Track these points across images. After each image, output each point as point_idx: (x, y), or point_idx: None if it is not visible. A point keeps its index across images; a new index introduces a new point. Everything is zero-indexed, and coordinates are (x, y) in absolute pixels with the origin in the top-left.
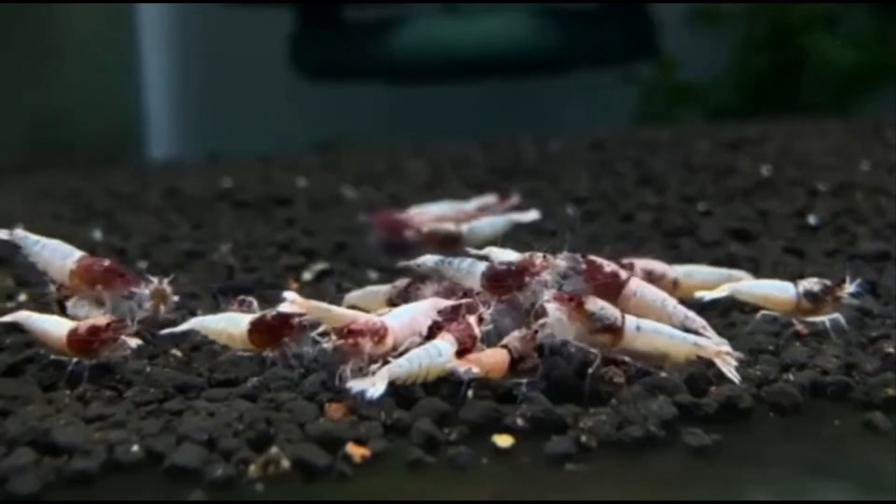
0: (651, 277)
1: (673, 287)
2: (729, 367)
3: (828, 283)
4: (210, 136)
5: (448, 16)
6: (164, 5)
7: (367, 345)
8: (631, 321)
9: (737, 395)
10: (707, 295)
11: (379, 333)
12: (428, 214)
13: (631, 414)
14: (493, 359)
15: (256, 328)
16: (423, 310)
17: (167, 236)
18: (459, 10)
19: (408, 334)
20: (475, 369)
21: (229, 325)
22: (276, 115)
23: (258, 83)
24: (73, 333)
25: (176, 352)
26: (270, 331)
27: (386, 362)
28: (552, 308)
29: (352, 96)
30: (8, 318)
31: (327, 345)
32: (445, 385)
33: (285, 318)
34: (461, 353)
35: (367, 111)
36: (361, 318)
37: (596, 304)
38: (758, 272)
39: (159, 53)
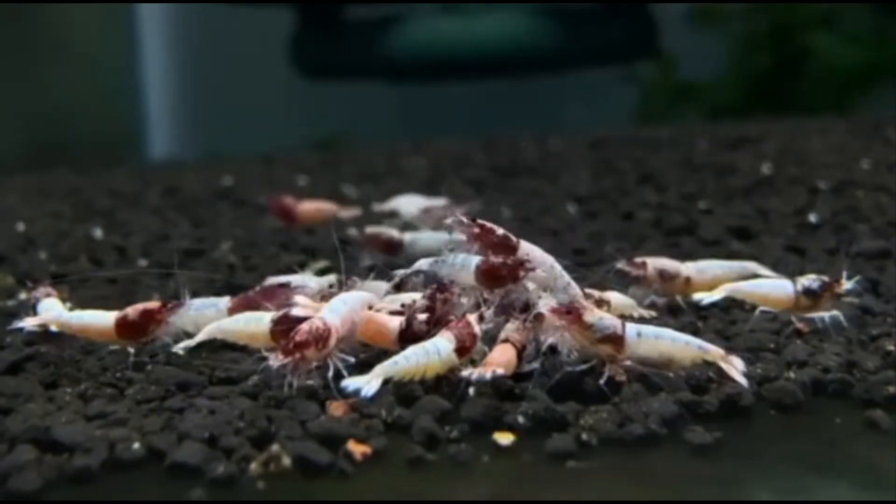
0: (663, 276)
1: (686, 284)
2: (735, 370)
3: (826, 279)
4: (211, 135)
5: (448, 15)
6: (164, 5)
7: (313, 354)
8: (631, 328)
9: (737, 393)
10: (706, 298)
11: (323, 337)
12: (310, 202)
13: (632, 412)
14: (505, 356)
15: (280, 326)
16: (360, 301)
17: (167, 235)
18: (459, 10)
19: (348, 328)
20: (500, 370)
21: (249, 324)
22: (277, 115)
23: (258, 83)
24: (122, 319)
25: (177, 350)
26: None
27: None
28: (550, 317)
29: (352, 96)
30: (37, 319)
31: (273, 362)
32: (446, 383)
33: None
34: (461, 351)
35: (367, 110)
36: (304, 326)
37: (594, 315)
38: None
39: (160, 53)
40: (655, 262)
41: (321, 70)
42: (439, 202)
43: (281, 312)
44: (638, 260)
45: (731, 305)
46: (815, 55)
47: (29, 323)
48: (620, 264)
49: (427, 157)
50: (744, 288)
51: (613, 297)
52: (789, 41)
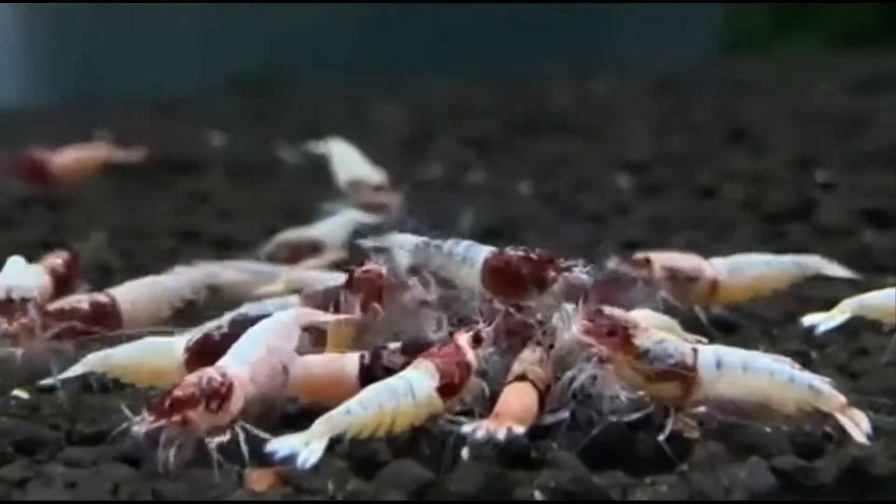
0: (676, 278)
1: (711, 291)
2: (858, 427)
3: None
4: (81, 75)
5: None
6: None
7: (202, 416)
8: (708, 357)
9: (866, 457)
10: (823, 324)
11: (219, 395)
12: (68, 153)
13: (707, 484)
14: (522, 402)
15: (197, 353)
16: (279, 330)
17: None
18: None
19: (267, 372)
20: (518, 428)
21: (153, 355)
22: (182, 46)
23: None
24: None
25: (19, 392)
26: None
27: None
28: (584, 339)
29: (294, 14)
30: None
31: (138, 426)
32: (427, 439)
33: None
34: (446, 389)
35: (316, 36)
36: (192, 378)
37: (650, 337)
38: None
39: None
40: (663, 259)
41: None
42: (375, 177)
43: (200, 336)
44: (639, 256)
45: (858, 328)
46: None
47: None
48: (614, 263)
49: (408, 105)
50: (874, 301)
51: (643, 315)
52: None
